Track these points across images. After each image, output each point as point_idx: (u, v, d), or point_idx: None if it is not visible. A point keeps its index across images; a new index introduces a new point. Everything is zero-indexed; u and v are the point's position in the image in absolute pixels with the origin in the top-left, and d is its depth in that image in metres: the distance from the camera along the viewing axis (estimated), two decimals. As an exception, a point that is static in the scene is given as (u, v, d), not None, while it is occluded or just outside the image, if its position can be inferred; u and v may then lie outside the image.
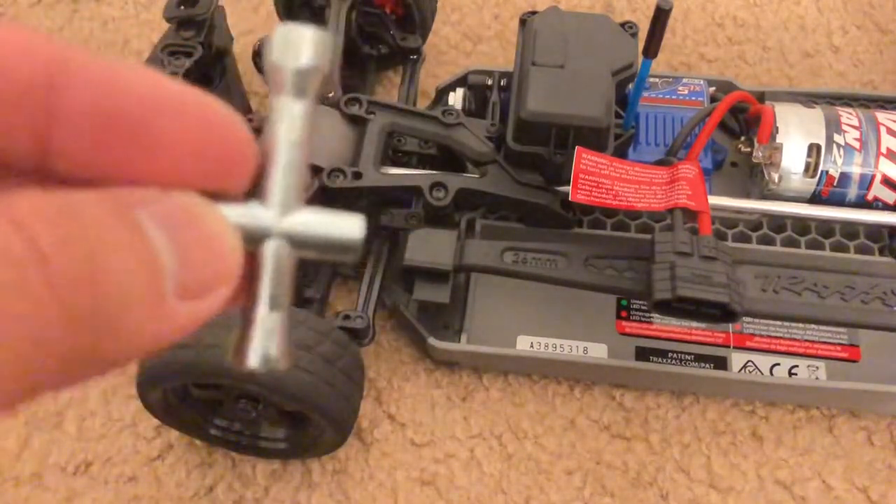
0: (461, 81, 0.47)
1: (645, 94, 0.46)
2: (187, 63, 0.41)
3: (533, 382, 0.41)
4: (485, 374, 0.41)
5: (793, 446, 0.39)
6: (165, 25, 0.44)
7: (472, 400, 0.41)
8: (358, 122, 0.41)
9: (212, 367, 0.30)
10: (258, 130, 0.40)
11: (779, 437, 0.40)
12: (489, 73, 0.46)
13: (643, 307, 0.42)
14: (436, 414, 0.40)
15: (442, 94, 0.48)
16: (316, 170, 0.39)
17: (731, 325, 0.41)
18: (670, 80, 0.47)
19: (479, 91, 0.46)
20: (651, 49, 0.36)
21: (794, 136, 0.41)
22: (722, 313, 0.33)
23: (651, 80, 0.47)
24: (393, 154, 0.43)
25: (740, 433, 0.40)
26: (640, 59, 0.39)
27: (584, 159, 0.37)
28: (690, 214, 0.37)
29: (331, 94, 0.42)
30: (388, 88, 0.53)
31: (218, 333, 0.30)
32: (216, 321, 0.31)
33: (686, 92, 0.46)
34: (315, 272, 0.40)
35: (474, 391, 0.41)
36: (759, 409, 0.40)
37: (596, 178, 0.37)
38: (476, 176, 0.41)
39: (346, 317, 0.37)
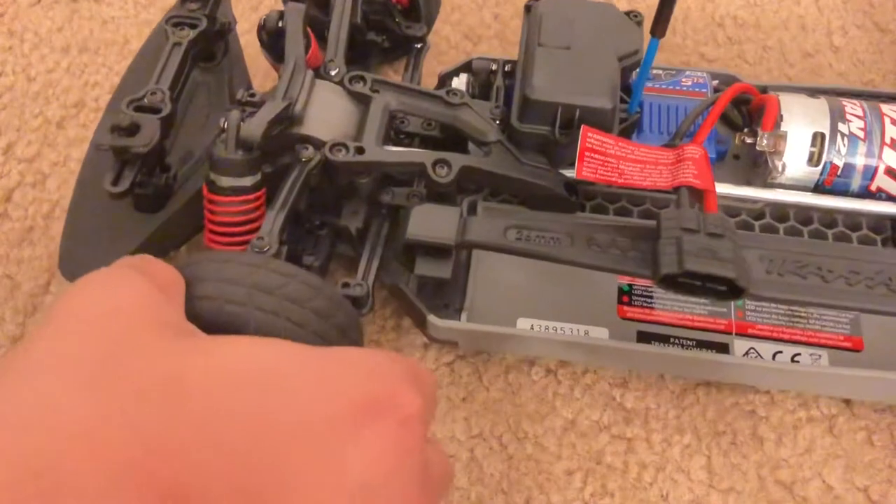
0: (465, 68, 0.47)
1: (648, 84, 0.46)
2: (192, 34, 0.40)
3: (533, 382, 0.41)
4: (485, 375, 0.41)
5: (793, 446, 0.39)
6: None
7: (472, 400, 0.40)
8: (362, 100, 0.41)
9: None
10: (259, 104, 0.40)
11: (779, 437, 0.39)
12: (494, 60, 0.46)
13: (645, 292, 0.41)
14: (436, 414, 0.40)
15: (445, 79, 0.48)
16: (317, 143, 0.38)
17: (733, 312, 0.41)
18: (673, 72, 0.47)
19: (483, 77, 0.46)
20: (659, 28, 0.36)
21: (799, 124, 0.41)
22: (728, 289, 0.33)
23: (654, 71, 0.47)
24: (395, 136, 0.43)
25: (740, 433, 0.39)
26: (646, 46, 0.39)
27: (590, 137, 0.37)
28: (696, 195, 0.37)
29: (334, 71, 0.41)
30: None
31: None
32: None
33: (689, 83, 0.46)
34: (316, 241, 0.40)
35: (474, 391, 0.41)
36: (759, 409, 0.40)
37: (602, 156, 0.37)
38: (480, 156, 0.40)
39: (346, 284, 0.36)
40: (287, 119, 0.38)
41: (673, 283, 0.33)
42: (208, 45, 0.43)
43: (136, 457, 0.19)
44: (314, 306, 0.29)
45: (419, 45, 0.50)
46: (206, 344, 0.24)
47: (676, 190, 0.36)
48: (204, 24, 0.41)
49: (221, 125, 0.36)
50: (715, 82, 0.47)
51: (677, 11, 0.57)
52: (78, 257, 0.37)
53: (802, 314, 0.41)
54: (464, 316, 0.40)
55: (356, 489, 0.21)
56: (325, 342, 0.30)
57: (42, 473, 0.18)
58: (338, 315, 0.30)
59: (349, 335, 0.31)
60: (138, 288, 0.25)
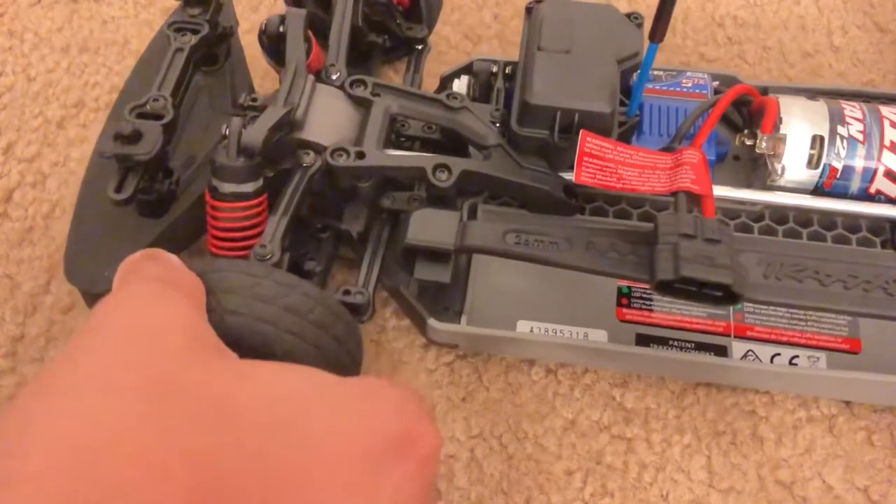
0: (466, 70, 0.47)
1: (648, 85, 0.46)
2: (193, 39, 0.41)
3: (533, 383, 0.41)
4: (485, 375, 0.41)
5: (793, 446, 0.39)
6: (165, 25, 0.44)
7: (472, 400, 0.41)
8: (362, 104, 0.41)
9: None
10: (261, 109, 0.40)
11: (779, 437, 0.39)
12: (494, 62, 0.46)
13: (644, 295, 0.42)
14: (436, 414, 0.40)
15: (446, 81, 0.48)
16: (319, 148, 0.39)
17: (731, 314, 0.41)
18: (674, 73, 0.47)
19: (484, 78, 0.46)
20: (658, 32, 0.36)
21: (798, 126, 0.41)
22: (724, 295, 0.33)
23: (655, 72, 0.47)
24: (396, 139, 0.43)
25: (740, 433, 0.39)
26: (646, 46, 0.39)
27: (589, 142, 0.37)
28: (694, 200, 0.37)
29: (336, 75, 0.42)
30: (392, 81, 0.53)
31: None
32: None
33: (690, 85, 0.46)
34: (317, 246, 0.40)
35: (474, 391, 0.41)
36: (759, 409, 0.40)
37: (600, 161, 0.37)
38: (480, 160, 0.41)
39: (347, 292, 0.36)
40: (288, 125, 0.38)
41: (669, 288, 0.34)
42: (210, 49, 0.43)
43: (189, 478, 0.20)
44: (314, 318, 0.30)
45: (420, 47, 0.50)
46: (248, 368, 0.24)
47: (674, 194, 0.37)
48: (206, 29, 0.41)
49: (223, 132, 0.36)
50: (715, 83, 0.47)
51: (677, 11, 0.57)
52: (83, 262, 0.38)
53: (801, 316, 0.41)
54: (464, 319, 0.40)
55: None
56: (322, 353, 0.30)
57: (97, 494, 0.18)
58: (336, 326, 0.31)
59: (346, 345, 0.32)
60: (177, 306, 0.25)
